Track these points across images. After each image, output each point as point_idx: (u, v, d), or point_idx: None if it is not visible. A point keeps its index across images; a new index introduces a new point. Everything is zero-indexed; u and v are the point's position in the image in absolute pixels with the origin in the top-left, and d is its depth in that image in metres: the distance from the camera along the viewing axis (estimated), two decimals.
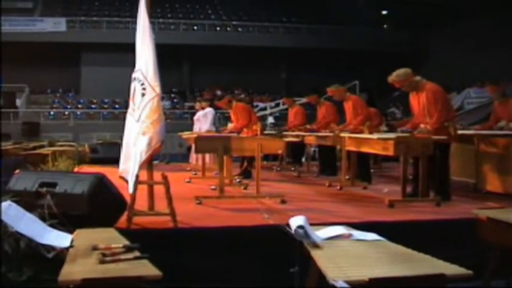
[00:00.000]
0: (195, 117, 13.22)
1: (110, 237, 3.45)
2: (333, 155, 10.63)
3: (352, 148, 8.22)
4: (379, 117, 11.88)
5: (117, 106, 29.46)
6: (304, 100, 17.98)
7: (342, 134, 8.75)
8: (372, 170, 10.23)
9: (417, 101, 7.00)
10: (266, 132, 13.42)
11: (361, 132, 8.74)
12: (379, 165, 12.28)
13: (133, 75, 5.34)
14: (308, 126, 11.25)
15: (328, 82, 9.83)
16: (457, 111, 19.07)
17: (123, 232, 3.71)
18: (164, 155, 14.88)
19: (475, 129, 8.39)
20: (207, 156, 11.31)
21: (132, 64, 5.39)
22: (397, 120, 14.57)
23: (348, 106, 9.40)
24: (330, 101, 10.85)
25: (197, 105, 13.66)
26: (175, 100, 31.72)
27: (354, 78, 25.61)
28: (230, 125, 10.67)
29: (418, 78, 6.99)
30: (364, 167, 9.10)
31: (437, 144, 6.66)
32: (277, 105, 28.34)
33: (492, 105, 8.97)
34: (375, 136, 7.35)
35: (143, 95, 5.21)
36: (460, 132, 7.69)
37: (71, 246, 3.30)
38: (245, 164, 10.22)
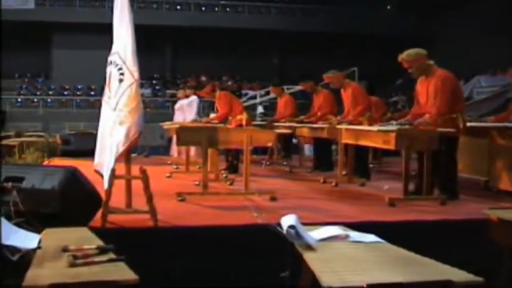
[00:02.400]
0: (177, 106, 13.21)
1: (82, 238, 3.43)
2: (329, 149, 10.64)
3: (349, 141, 8.21)
4: (383, 107, 11.87)
5: (92, 93, 29.31)
6: (298, 88, 17.99)
7: (339, 126, 8.74)
8: (371, 165, 10.26)
9: (426, 88, 6.97)
10: (255, 123, 13.41)
11: (361, 124, 8.73)
12: (379, 160, 12.30)
13: (110, 58, 5.30)
14: (303, 118, 11.21)
15: (325, 68, 9.81)
16: (465, 101, 19.10)
17: (98, 232, 3.69)
18: (143, 147, 14.86)
19: (491, 121, 8.31)
20: (192, 148, 11.30)
21: (108, 47, 5.35)
22: (400, 111, 14.58)
23: (346, 95, 9.37)
24: (328, 89, 10.84)
25: (179, 93, 13.63)
26: (156, 87, 31.62)
27: (352, 64, 25.63)
28: (212, 115, 10.67)
29: (430, 62, 6.95)
30: (362, 161, 9.09)
31: (444, 137, 6.66)
32: (268, 93, 28.32)
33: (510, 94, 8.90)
34: (374, 128, 7.33)
35: (121, 81, 5.18)
36: (471, 124, 7.64)
37: (39, 247, 3.27)
38: (230, 157, 10.22)
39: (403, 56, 6.92)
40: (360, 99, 9.12)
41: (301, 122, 11.04)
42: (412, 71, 6.98)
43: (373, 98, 10.34)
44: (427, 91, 6.94)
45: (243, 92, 28.92)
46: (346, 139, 8.30)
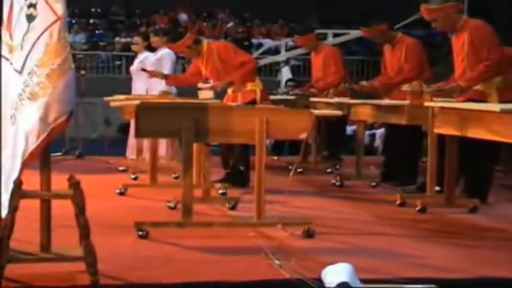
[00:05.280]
0: (134, 67, 13.21)
1: None
2: (414, 146, 10.53)
3: (448, 131, 8.14)
4: None
5: None
6: (354, 34, 18.04)
7: (427, 103, 8.60)
8: None
9: None
10: (278, 97, 13.45)
11: (483, 98, 8.45)
12: (505, 167, 12.26)
13: None
14: (355, 86, 11.21)
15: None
16: None
17: None
18: (74, 142, 14.90)
19: None
20: (162, 143, 11.34)
21: None
22: None
23: (460, 42, 8.67)
24: (411, 35, 10.81)
25: (137, 43, 13.61)
26: (97, 31, 31.72)
27: None
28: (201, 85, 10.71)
29: None
30: (475, 169, 9.00)
31: None
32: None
33: None
34: (496, 107, 7.25)
35: (31, 18, 5.18)
36: None
37: None
38: (231, 160, 10.24)
39: None
40: (486, 51, 8.44)
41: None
42: None
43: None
44: None
45: (255, 41, 29.02)
46: (442, 127, 8.22)
